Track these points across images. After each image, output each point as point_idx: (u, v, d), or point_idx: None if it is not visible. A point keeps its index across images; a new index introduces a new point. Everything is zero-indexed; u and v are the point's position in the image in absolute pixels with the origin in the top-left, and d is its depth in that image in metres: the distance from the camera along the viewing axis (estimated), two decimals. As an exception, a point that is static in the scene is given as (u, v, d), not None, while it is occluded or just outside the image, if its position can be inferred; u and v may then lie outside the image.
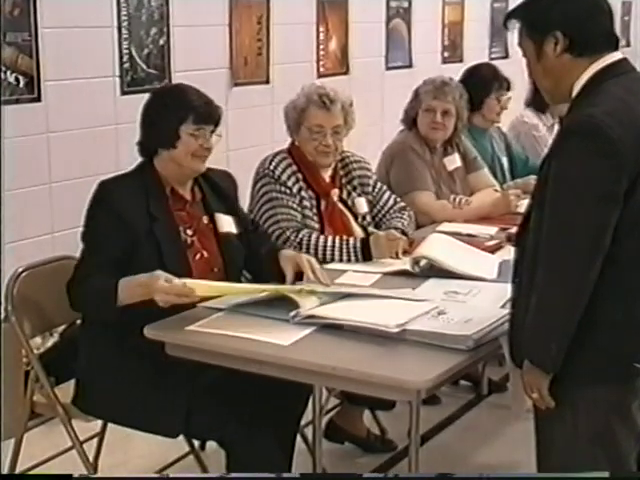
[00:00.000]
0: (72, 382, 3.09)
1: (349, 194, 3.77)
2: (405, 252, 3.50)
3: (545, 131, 5.26)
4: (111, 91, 4.56)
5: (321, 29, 5.85)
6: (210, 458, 3.49)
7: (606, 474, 2.35)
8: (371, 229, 3.69)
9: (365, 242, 3.51)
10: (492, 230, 3.90)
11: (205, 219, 3.14)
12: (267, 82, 5.45)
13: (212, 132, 3.06)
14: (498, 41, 7.53)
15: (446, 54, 7.07)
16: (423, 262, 3.33)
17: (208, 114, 3.04)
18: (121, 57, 4.57)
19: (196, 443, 3.50)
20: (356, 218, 3.74)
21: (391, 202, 3.86)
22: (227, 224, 3.17)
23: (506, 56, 7.46)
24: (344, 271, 3.37)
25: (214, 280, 3.03)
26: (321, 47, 5.86)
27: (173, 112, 3.02)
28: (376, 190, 3.85)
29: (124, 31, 4.56)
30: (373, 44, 6.35)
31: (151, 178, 3.05)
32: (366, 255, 3.49)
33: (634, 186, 2.25)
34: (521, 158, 5.03)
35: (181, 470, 3.50)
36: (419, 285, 3.17)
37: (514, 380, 2.49)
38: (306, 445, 3.50)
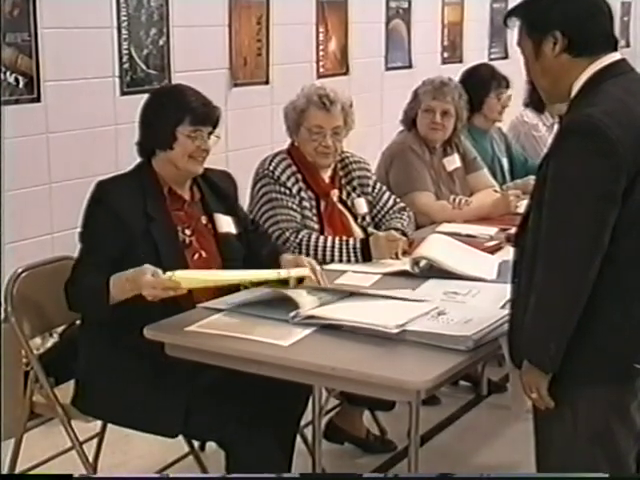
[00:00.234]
0: (72, 382, 3.09)
1: (349, 195, 3.77)
2: (405, 253, 3.50)
3: (545, 131, 5.26)
4: (111, 91, 4.56)
5: (321, 29, 5.85)
6: (210, 458, 3.49)
7: (606, 475, 2.35)
8: (371, 230, 3.69)
9: (365, 243, 3.51)
10: (492, 231, 3.90)
11: (204, 219, 3.14)
12: (267, 82, 5.45)
13: (210, 133, 3.06)
14: (498, 41, 7.54)
15: (446, 54, 7.07)
16: (423, 263, 3.33)
17: (205, 115, 3.04)
18: (121, 57, 4.57)
19: (196, 444, 3.50)
20: (356, 219, 3.74)
21: (391, 203, 3.86)
22: (226, 224, 3.17)
23: (506, 56, 7.46)
24: (344, 272, 3.37)
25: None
26: (321, 47, 5.87)
27: (170, 113, 3.02)
28: (376, 191, 3.85)
29: (124, 31, 4.56)
30: (373, 44, 6.35)
31: (149, 178, 3.05)
32: (366, 256, 3.49)
33: (632, 186, 2.25)
34: (520, 159, 5.03)
35: (181, 470, 3.50)
36: (419, 286, 3.17)
37: (514, 380, 2.48)
38: (306, 445, 3.50)
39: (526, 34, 2.41)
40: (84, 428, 3.25)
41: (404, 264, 3.37)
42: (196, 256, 3.06)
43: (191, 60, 4.91)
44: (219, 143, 3.14)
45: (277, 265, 3.14)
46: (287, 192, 3.58)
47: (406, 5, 6.59)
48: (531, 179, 4.20)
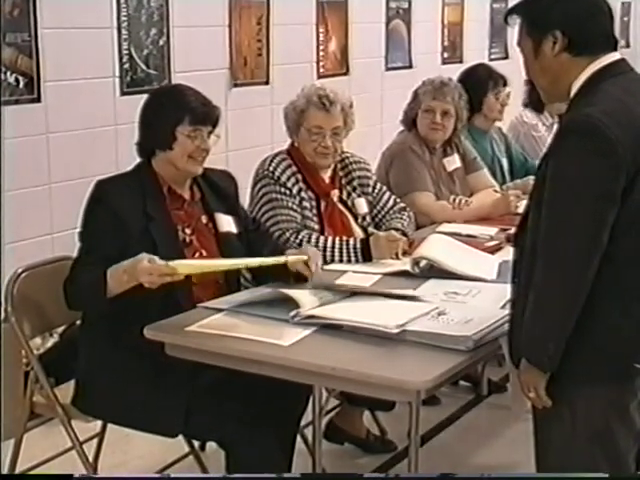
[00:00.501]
0: (72, 383, 3.09)
1: (349, 195, 3.77)
2: (405, 253, 3.50)
3: (544, 131, 5.26)
4: (111, 92, 4.56)
5: (321, 30, 5.85)
6: (210, 458, 3.49)
7: (606, 475, 2.35)
8: (371, 230, 3.69)
9: (365, 243, 3.51)
10: (492, 231, 3.91)
11: (204, 218, 3.14)
12: (267, 83, 5.45)
13: (210, 133, 3.06)
14: (498, 41, 7.54)
15: (446, 55, 7.07)
16: (423, 263, 3.33)
17: (205, 115, 3.04)
18: (121, 58, 4.57)
19: (196, 444, 3.50)
20: (356, 219, 3.74)
21: (391, 203, 3.86)
22: (227, 224, 3.17)
23: (506, 57, 7.46)
24: (344, 272, 3.37)
25: (213, 278, 3.04)
26: (321, 48, 5.86)
27: (170, 113, 3.02)
28: (376, 191, 3.85)
29: (124, 32, 4.56)
30: (373, 45, 6.35)
31: (148, 178, 3.05)
32: (366, 256, 3.49)
33: (631, 185, 2.26)
34: (520, 159, 5.03)
35: (181, 470, 3.50)
36: (419, 286, 3.17)
37: (514, 380, 2.48)
38: (306, 446, 3.50)
39: (526, 33, 2.42)
40: (84, 428, 3.25)
41: (404, 264, 3.37)
42: (196, 255, 3.05)
43: (191, 60, 4.91)
44: (219, 143, 3.14)
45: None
46: (287, 192, 3.58)
47: (406, 5, 6.58)
48: (531, 179, 4.18)
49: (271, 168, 3.61)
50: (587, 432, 2.37)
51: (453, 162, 4.43)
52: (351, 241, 3.53)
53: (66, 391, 3.10)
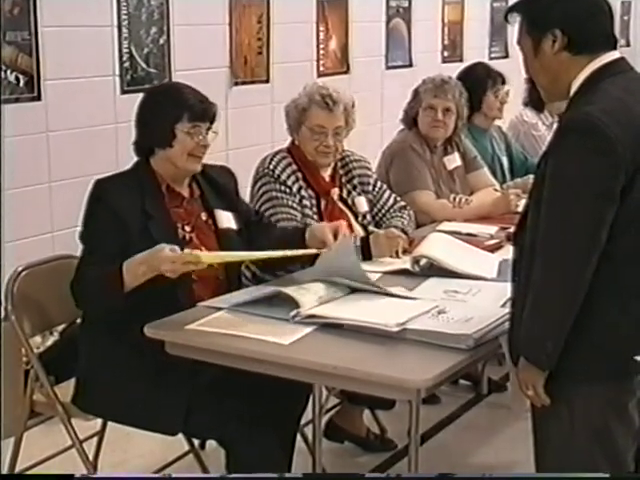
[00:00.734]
0: (72, 381, 3.09)
1: (349, 193, 3.77)
2: (405, 251, 3.49)
3: (544, 130, 5.26)
4: (111, 90, 4.56)
5: (321, 28, 5.85)
6: (210, 457, 3.49)
7: (607, 475, 2.35)
8: (371, 228, 3.69)
9: (365, 241, 3.51)
10: (492, 229, 3.90)
11: (204, 215, 3.14)
12: (267, 81, 5.45)
13: (208, 129, 3.06)
14: (498, 40, 7.54)
15: (446, 53, 7.07)
16: (423, 261, 3.33)
17: (203, 111, 3.04)
18: (121, 56, 4.58)
19: (196, 442, 3.50)
20: (356, 217, 3.74)
21: (391, 201, 3.86)
22: (227, 220, 3.17)
23: (506, 55, 7.46)
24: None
25: (214, 276, 3.04)
26: (321, 46, 5.87)
27: (168, 111, 3.02)
28: (376, 189, 3.85)
29: (124, 30, 4.56)
30: (373, 43, 6.35)
31: (147, 176, 3.05)
32: (366, 254, 3.48)
33: (631, 184, 2.26)
34: (520, 157, 5.03)
35: (181, 469, 3.51)
36: (419, 284, 3.17)
37: (514, 379, 2.48)
38: (306, 444, 3.50)
39: (526, 31, 2.42)
40: (84, 427, 3.25)
41: (404, 263, 3.37)
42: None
43: (191, 59, 4.91)
44: (220, 142, 3.14)
45: (297, 242, 3.15)
46: (287, 191, 3.58)
47: (406, 4, 6.59)
48: (531, 178, 4.17)
49: (271, 166, 3.61)
50: (586, 430, 2.37)
51: (453, 161, 4.43)
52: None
53: (66, 389, 3.10)
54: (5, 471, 3.17)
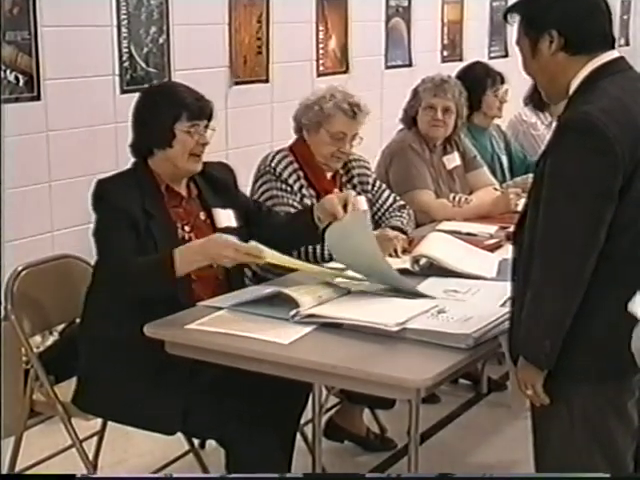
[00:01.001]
0: (72, 380, 3.09)
1: (349, 193, 3.77)
2: (405, 251, 3.50)
3: (543, 129, 5.26)
4: (110, 90, 4.56)
5: (321, 28, 5.85)
6: (210, 456, 3.49)
7: (607, 475, 2.35)
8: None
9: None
10: (491, 229, 3.90)
11: (202, 215, 3.14)
12: (267, 81, 5.45)
13: (206, 127, 3.06)
14: (497, 40, 7.54)
15: (445, 53, 7.07)
16: (423, 261, 3.33)
17: (201, 109, 3.04)
18: (120, 56, 4.57)
19: (196, 442, 3.50)
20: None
21: (390, 200, 3.86)
22: (226, 218, 3.16)
23: (505, 55, 7.46)
24: (344, 269, 3.36)
25: (213, 275, 3.04)
26: (321, 46, 5.86)
27: (166, 111, 3.01)
28: (375, 188, 3.86)
29: (124, 30, 4.56)
30: (373, 43, 6.35)
31: (145, 177, 3.05)
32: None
33: (629, 183, 2.26)
34: (519, 156, 5.03)
35: (181, 468, 3.51)
36: (419, 284, 3.16)
37: (514, 379, 2.49)
38: (306, 444, 3.50)
39: (524, 32, 2.42)
40: (84, 426, 3.25)
41: (404, 262, 3.36)
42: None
43: (191, 58, 4.91)
44: (219, 141, 3.15)
45: (305, 222, 3.17)
46: (288, 189, 3.58)
47: (406, 3, 6.58)
48: (530, 177, 4.18)
49: (273, 164, 3.61)
50: (585, 430, 2.38)
51: (453, 160, 4.43)
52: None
53: (66, 389, 3.11)
54: (5, 470, 3.17)
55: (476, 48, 7.23)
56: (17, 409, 3.12)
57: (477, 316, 2.74)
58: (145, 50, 4.69)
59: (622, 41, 9.10)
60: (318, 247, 3.47)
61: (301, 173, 3.64)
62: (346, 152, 3.66)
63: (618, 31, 8.66)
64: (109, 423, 3.26)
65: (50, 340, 3.98)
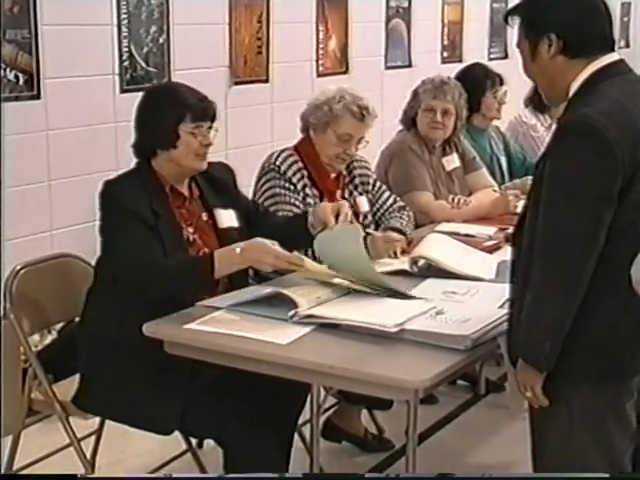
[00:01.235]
0: (70, 379, 3.10)
1: (351, 193, 3.78)
2: (403, 252, 3.50)
3: (543, 131, 5.26)
4: (110, 89, 4.56)
5: (321, 28, 5.85)
6: (208, 456, 3.49)
7: (606, 475, 2.36)
8: (368, 230, 3.69)
9: (364, 241, 3.50)
10: (490, 230, 3.91)
11: (204, 215, 3.14)
12: (267, 81, 5.45)
13: (209, 128, 3.06)
14: (497, 41, 7.54)
15: (445, 54, 7.07)
16: (421, 262, 3.33)
17: (204, 110, 3.04)
18: (121, 55, 4.57)
19: (193, 441, 3.50)
20: (357, 217, 3.74)
21: (390, 201, 3.87)
22: (227, 219, 3.16)
23: (505, 56, 7.46)
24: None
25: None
26: (321, 46, 5.86)
27: (170, 112, 3.00)
28: (375, 189, 3.86)
29: (124, 29, 4.56)
30: (373, 43, 6.35)
31: (149, 177, 3.04)
32: (364, 254, 3.48)
33: (629, 186, 2.26)
34: (519, 158, 5.04)
35: (179, 468, 3.51)
36: (417, 285, 3.17)
37: (512, 380, 2.49)
38: (304, 444, 3.50)
39: (524, 35, 2.42)
40: (82, 425, 3.25)
41: (403, 263, 3.37)
42: (200, 253, 3.04)
43: (191, 58, 4.91)
44: (219, 141, 3.14)
45: (299, 227, 3.19)
46: (291, 188, 3.59)
47: (406, 4, 6.58)
48: (530, 179, 4.19)
49: (277, 162, 3.62)
50: (584, 431, 2.38)
51: (452, 161, 4.43)
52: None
53: (64, 388, 3.11)
54: (3, 469, 3.17)
55: (476, 49, 7.23)
56: (15, 408, 3.12)
57: (475, 317, 2.74)
58: (145, 50, 4.69)
59: (622, 43, 9.10)
60: None
61: (305, 172, 3.65)
62: (351, 154, 3.67)
63: (618, 33, 8.66)
64: (107, 422, 3.25)
65: (49, 339, 3.99)
